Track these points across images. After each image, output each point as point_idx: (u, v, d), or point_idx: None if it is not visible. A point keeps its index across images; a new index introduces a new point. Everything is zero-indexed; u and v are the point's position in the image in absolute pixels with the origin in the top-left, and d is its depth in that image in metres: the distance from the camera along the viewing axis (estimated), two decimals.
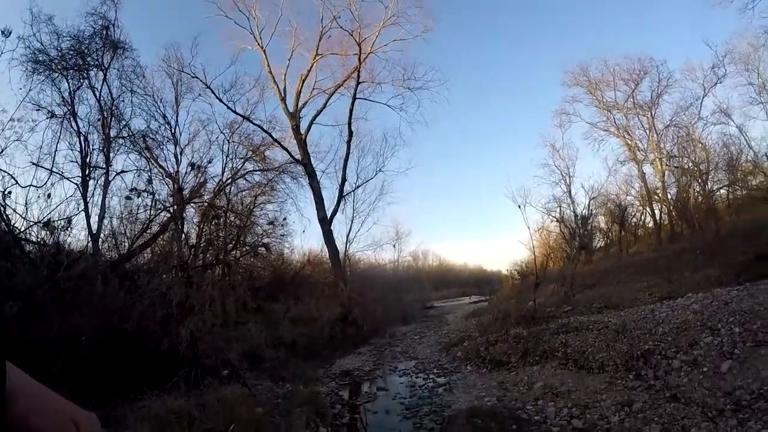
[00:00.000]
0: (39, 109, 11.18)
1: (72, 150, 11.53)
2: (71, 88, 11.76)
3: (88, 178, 11.20)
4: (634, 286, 16.25)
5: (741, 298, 8.83)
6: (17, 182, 10.12)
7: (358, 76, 23.07)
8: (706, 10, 33.74)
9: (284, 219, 21.03)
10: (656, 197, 28.42)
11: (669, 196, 27.32)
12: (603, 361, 8.57)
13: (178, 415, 6.70)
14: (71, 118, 11.55)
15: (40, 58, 11.39)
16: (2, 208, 9.38)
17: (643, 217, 31.36)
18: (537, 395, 8.21)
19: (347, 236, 27.90)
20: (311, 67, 23.80)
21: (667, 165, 26.96)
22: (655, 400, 6.72)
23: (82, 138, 11.53)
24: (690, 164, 25.42)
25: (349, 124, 23.32)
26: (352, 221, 28.15)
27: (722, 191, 25.39)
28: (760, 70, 24.16)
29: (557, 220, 28.50)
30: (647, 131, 28.90)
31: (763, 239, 14.46)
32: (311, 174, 22.42)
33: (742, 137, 24.49)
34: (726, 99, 25.92)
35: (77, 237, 11.27)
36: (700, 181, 24.58)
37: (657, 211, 28.83)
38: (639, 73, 28.84)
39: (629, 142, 29.44)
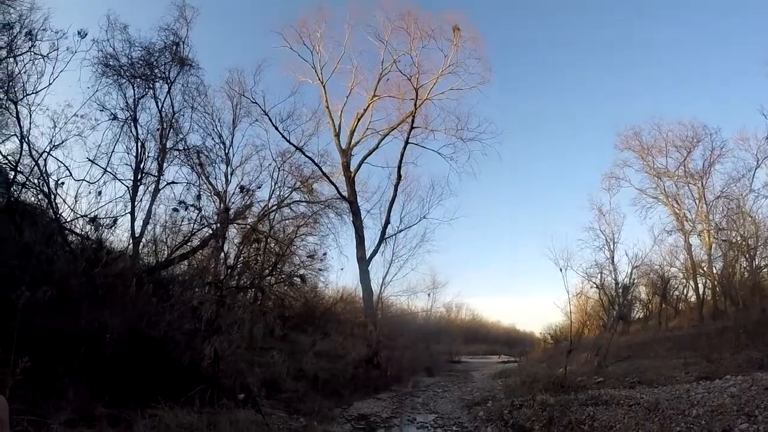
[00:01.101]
0: (103, 110, 11.80)
1: (128, 154, 12.08)
2: (136, 96, 12.36)
3: (139, 183, 11.59)
4: (671, 362, 15.40)
5: None
6: (71, 175, 10.60)
7: (413, 121, 23.23)
8: (763, 78, 32.88)
9: (324, 254, 21.08)
10: (701, 271, 27.08)
11: (714, 271, 26.07)
12: None
13: (188, 430, 6.59)
14: (132, 124, 12.10)
15: (111, 63, 12.07)
16: (53, 197, 9.74)
17: (685, 291, 29.96)
18: None
19: (383, 279, 27.75)
20: (367, 107, 24.24)
21: (714, 238, 25.77)
22: None
23: (139, 144, 12.05)
24: (738, 238, 24.29)
25: (399, 167, 23.42)
26: (390, 264, 28.03)
27: None
28: None
29: (597, 287, 27.61)
30: (696, 201, 27.76)
31: None
32: (356, 212, 22.48)
33: None
34: None
35: (120, 238, 11.62)
36: (747, 256, 23.44)
37: (701, 286, 27.39)
38: (692, 140, 27.88)
39: (677, 211, 28.39)
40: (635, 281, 26.69)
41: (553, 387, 12.64)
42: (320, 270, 21.42)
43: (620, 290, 25.60)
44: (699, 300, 26.95)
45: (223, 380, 9.30)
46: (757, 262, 23.66)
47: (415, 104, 22.90)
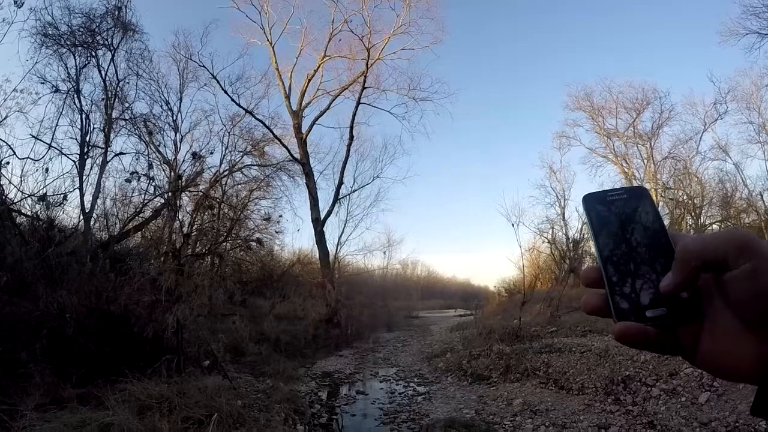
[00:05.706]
0: (44, 83, 11.23)
1: (72, 127, 11.56)
2: (78, 65, 11.79)
3: (86, 157, 11.21)
4: None
5: None
6: (15, 153, 10.09)
7: (364, 81, 23.09)
8: (712, 46, 33.83)
9: (280, 216, 21.07)
10: None
11: None
12: (583, 384, 8.63)
13: (158, 401, 6.70)
14: (75, 95, 11.58)
15: (50, 32, 11.40)
16: None
17: None
18: (515, 411, 8.24)
19: (339, 239, 27.78)
20: (318, 67, 23.92)
21: (662, 196, 26.92)
22: (632, 425, 6.78)
23: (83, 116, 11.56)
24: (684, 197, 25.50)
25: (351, 127, 23.34)
26: (345, 224, 28.05)
27: (714, 226, 25.43)
28: (761, 110, 24.18)
29: (549, 242, 28.49)
30: (645, 161, 28.79)
31: None
32: (309, 174, 22.37)
33: (738, 174, 24.47)
34: (725, 135, 25.98)
35: (70, 215, 11.29)
36: (693, 214, 24.64)
37: None
38: (641, 102, 28.75)
39: (626, 170, 29.38)
40: (585, 236, 27.70)
41: (508, 337, 13.20)
42: (276, 233, 21.49)
43: (571, 245, 26.49)
44: None
45: (188, 349, 9.36)
46: (702, 220, 24.84)
47: (367, 64, 22.75)
